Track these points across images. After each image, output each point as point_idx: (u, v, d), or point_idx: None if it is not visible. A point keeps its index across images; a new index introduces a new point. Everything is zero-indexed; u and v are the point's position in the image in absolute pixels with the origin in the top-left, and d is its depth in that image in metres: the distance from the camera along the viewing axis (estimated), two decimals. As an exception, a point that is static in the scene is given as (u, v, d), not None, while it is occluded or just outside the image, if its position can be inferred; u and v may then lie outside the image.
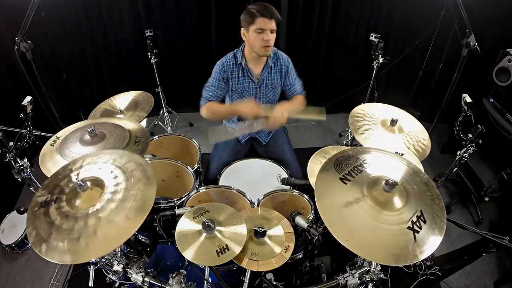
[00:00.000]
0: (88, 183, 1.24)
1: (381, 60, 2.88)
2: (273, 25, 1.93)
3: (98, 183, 1.27)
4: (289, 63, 2.22)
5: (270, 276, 1.48)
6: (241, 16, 1.99)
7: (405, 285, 1.72)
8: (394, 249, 1.11)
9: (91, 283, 1.46)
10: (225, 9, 3.24)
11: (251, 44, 2.01)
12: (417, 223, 1.17)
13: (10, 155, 1.70)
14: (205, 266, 1.45)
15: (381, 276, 1.43)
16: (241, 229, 1.44)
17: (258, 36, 1.94)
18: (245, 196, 1.82)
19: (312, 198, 1.82)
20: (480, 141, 1.82)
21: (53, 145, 1.66)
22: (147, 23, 3.20)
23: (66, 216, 1.16)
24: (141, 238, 1.84)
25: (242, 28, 2.01)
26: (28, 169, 1.81)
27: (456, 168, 2.00)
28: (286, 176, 2.10)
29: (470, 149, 1.86)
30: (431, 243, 1.14)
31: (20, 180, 1.80)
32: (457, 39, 2.53)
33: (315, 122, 3.96)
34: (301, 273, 1.71)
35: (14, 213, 2.59)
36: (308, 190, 1.85)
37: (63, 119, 2.75)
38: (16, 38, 2.17)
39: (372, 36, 2.83)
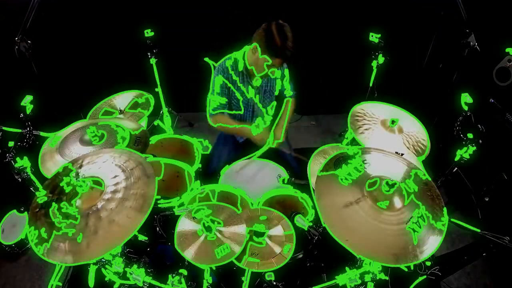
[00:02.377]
0: (88, 183, 1.24)
1: (381, 60, 2.88)
2: (283, 63, 1.97)
3: (98, 182, 1.27)
4: (286, 67, 2.24)
5: (270, 276, 1.48)
6: (262, 34, 1.84)
7: (405, 285, 1.72)
8: (394, 249, 1.11)
9: (91, 283, 1.46)
10: (226, 8, 3.25)
11: (255, 64, 1.98)
12: (417, 223, 1.17)
13: (10, 155, 1.70)
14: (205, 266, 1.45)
15: (381, 276, 1.44)
16: (241, 229, 1.44)
17: (264, 67, 1.93)
18: (245, 196, 1.81)
19: (312, 198, 1.82)
20: (480, 141, 1.82)
21: (53, 145, 1.67)
22: (147, 23, 3.20)
23: (66, 217, 1.17)
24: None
25: (255, 43, 1.87)
26: (28, 169, 1.81)
27: (456, 168, 2.00)
28: (286, 176, 2.10)
29: (470, 149, 1.86)
30: (431, 243, 1.14)
31: (20, 180, 1.80)
32: (457, 39, 2.53)
33: (315, 122, 3.96)
34: (302, 273, 1.71)
35: (14, 213, 2.59)
36: (308, 190, 1.85)
37: (63, 119, 2.75)
38: (16, 38, 2.17)
39: (372, 36, 2.83)
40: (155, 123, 3.55)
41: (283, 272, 1.47)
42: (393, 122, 1.78)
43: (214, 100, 2.12)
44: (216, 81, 2.10)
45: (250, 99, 2.20)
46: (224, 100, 2.14)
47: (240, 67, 2.07)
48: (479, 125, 1.78)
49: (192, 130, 3.79)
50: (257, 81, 2.15)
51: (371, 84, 3.04)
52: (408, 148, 1.70)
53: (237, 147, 2.42)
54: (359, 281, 1.43)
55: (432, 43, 3.29)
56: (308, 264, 1.69)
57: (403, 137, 1.77)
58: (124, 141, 1.67)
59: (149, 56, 3.08)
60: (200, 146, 2.26)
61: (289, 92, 2.33)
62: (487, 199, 2.71)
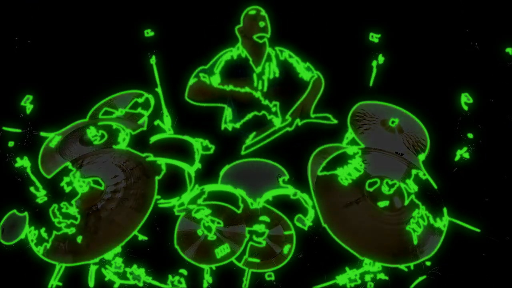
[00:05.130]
0: (88, 183, 1.25)
1: (381, 60, 2.87)
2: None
3: (98, 182, 1.27)
4: (291, 56, 2.30)
5: (270, 276, 1.48)
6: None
7: (405, 285, 1.72)
8: (394, 249, 1.11)
9: (91, 283, 1.46)
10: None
11: (247, 35, 2.16)
12: (417, 223, 1.17)
13: (10, 155, 1.70)
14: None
15: (381, 276, 1.44)
16: (241, 229, 1.45)
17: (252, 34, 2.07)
18: (245, 196, 1.81)
19: (312, 198, 1.82)
20: (480, 141, 1.82)
21: (53, 145, 1.67)
22: (148, 23, 3.20)
23: (66, 217, 1.17)
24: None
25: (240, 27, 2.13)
26: (28, 169, 1.81)
27: (456, 168, 2.01)
28: (286, 176, 2.10)
29: (470, 149, 1.87)
30: (431, 243, 1.14)
31: (20, 180, 1.80)
32: (458, 39, 2.53)
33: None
34: (302, 273, 1.71)
35: (14, 213, 2.59)
36: (308, 190, 1.85)
37: (63, 119, 2.75)
38: (16, 38, 2.17)
39: (372, 36, 2.82)
40: (155, 123, 3.54)
41: (283, 272, 1.47)
42: (393, 122, 1.78)
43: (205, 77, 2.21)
44: (214, 65, 2.23)
45: (253, 84, 2.24)
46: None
47: (242, 55, 2.20)
48: (479, 125, 1.78)
49: (192, 130, 3.78)
50: (258, 67, 2.23)
51: (371, 84, 3.04)
52: (408, 148, 1.70)
53: None
54: (359, 281, 1.44)
55: (432, 43, 3.28)
56: (308, 264, 1.69)
57: (403, 137, 1.77)
58: (124, 141, 1.67)
59: (149, 56, 3.08)
60: (200, 146, 2.26)
61: (307, 74, 2.35)
62: (487, 199, 2.71)
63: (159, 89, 3.37)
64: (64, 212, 1.18)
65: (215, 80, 2.20)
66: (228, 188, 1.84)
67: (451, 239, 2.56)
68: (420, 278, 1.63)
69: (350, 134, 2.00)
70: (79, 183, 1.22)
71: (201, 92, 2.19)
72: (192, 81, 2.20)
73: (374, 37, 2.82)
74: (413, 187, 1.29)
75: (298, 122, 2.13)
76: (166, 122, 3.45)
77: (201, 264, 1.38)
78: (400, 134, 1.79)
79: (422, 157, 1.72)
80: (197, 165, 2.14)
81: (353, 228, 1.16)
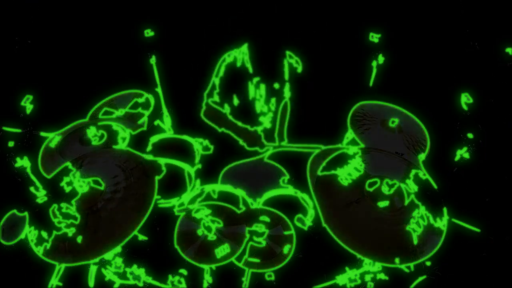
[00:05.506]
0: (89, 183, 1.25)
1: (381, 60, 2.87)
2: None
3: (98, 182, 1.27)
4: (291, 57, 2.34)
5: (270, 276, 1.48)
6: None
7: (405, 285, 1.72)
8: (394, 249, 1.11)
9: (91, 283, 1.46)
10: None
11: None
12: (417, 223, 1.17)
13: (10, 155, 1.70)
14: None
15: (381, 276, 1.44)
16: (242, 229, 1.45)
17: None
18: (245, 196, 1.81)
19: (312, 198, 1.82)
20: (480, 141, 1.82)
21: (53, 145, 1.67)
22: (147, 23, 3.20)
23: (66, 217, 1.17)
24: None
25: None
26: (28, 169, 1.81)
27: (456, 168, 2.01)
28: (286, 176, 2.09)
29: (470, 149, 1.87)
30: (431, 243, 1.14)
31: (20, 180, 1.80)
32: (458, 39, 2.53)
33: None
34: (302, 273, 1.71)
35: (14, 213, 2.59)
36: (309, 190, 1.85)
37: (63, 119, 2.75)
38: (16, 38, 2.17)
39: (372, 36, 2.82)
40: (155, 123, 3.53)
41: (283, 272, 1.47)
42: (393, 122, 1.78)
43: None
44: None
45: None
46: None
47: (239, 63, 2.19)
48: (479, 125, 1.79)
49: (192, 130, 3.78)
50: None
51: (371, 84, 3.03)
52: (408, 148, 1.70)
53: None
54: (359, 281, 1.44)
55: (432, 43, 3.28)
56: (308, 264, 1.69)
57: (403, 137, 1.77)
58: (124, 141, 1.67)
59: (149, 56, 3.08)
60: (200, 146, 2.26)
61: None
62: (487, 199, 2.71)
63: (159, 89, 3.37)
64: (64, 212, 1.18)
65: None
66: (228, 188, 1.84)
67: (451, 239, 2.56)
68: (420, 278, 1.63)
69: (350, 134, 2.00)
70: (79, 183, 1.22)
71: (215, 118, 2.25)
72: (203, 108, 2.24)
73: (374, 37, 2.82)
74: (413, 187, 1.29)
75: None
76: (166, 122, 3.45)
77: (201, 264, 1.37)
78: (400, 134, 1.79)
79: (422, 157, 1.72)
80: (197, 165, 2.14)
81: (353, 228, 1.16)
